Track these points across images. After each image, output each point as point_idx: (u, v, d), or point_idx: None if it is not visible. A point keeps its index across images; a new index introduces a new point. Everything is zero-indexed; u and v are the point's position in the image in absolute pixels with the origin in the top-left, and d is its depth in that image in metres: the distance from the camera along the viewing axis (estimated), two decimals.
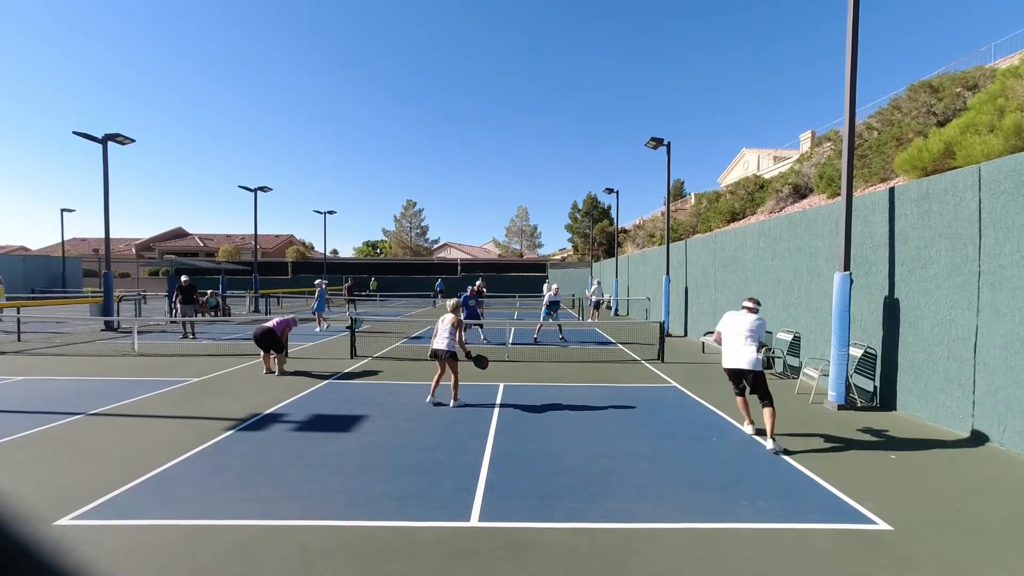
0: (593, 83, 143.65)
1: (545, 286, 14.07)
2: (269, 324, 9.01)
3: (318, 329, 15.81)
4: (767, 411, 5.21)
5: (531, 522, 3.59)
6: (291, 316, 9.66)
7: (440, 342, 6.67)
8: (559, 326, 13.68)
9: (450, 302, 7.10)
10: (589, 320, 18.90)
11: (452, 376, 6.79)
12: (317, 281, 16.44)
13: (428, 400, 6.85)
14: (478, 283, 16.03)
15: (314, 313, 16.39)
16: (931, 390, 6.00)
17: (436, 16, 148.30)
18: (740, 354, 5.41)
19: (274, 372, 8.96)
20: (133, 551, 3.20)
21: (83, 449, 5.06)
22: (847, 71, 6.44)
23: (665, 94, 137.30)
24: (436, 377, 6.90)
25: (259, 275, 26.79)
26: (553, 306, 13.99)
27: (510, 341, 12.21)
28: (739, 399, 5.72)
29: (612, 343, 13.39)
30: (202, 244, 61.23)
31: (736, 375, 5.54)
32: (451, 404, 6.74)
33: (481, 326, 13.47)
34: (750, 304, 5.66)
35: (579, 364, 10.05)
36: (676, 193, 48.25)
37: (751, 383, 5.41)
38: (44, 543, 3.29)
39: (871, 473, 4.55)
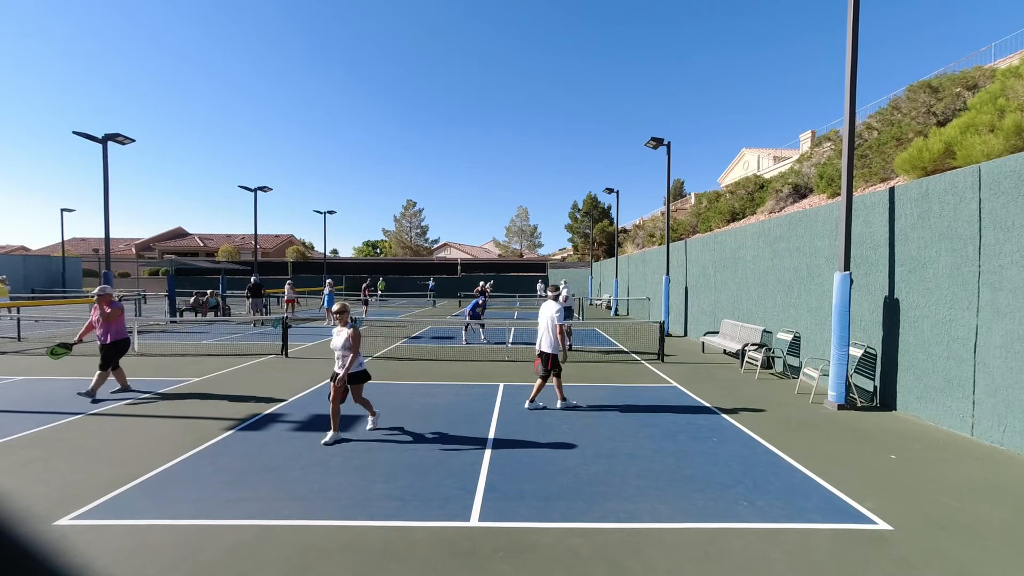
0: (593, 83, 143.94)
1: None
2: (106, 332, 7.17)
3: (327, 324, 17.48)
4: (558, 380, 6.69)
5: (531, 522, 3.59)
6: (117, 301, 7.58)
7: (338, 363, 5.32)
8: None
9: (336, 306, 5.37)
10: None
11: (360, 400, 5.50)
12: (328, 281, 18.42)
13: (325, 440, 5.19)
14: (482, 284, 15.98)
15: (322, 309, 18.97)
16: (931, 390, 6.00)
17: (436, 18, 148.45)
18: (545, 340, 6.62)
19: (129, 387, 7.50)
20: (133, 551, 3.20)
21: (83, 449, 5.06)
22: (847, 71, 6.45)
23: (665, 94, 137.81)
24: (332, 409, 5.29)
25: (259, 275, 26.78)
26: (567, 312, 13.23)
27: (510, 341, 12.21)
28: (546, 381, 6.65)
29: (612, 343, 13.38)
30: (202, 244, 61.20)
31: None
32: (368, 427, 5.66)
33: (483, 326, 13.47)
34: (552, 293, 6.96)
35: (579, 364, 10.05)
36: (676, 193, 48.24)
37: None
38: (44, 543, 3.29)
39: (871, 473, 4.54)
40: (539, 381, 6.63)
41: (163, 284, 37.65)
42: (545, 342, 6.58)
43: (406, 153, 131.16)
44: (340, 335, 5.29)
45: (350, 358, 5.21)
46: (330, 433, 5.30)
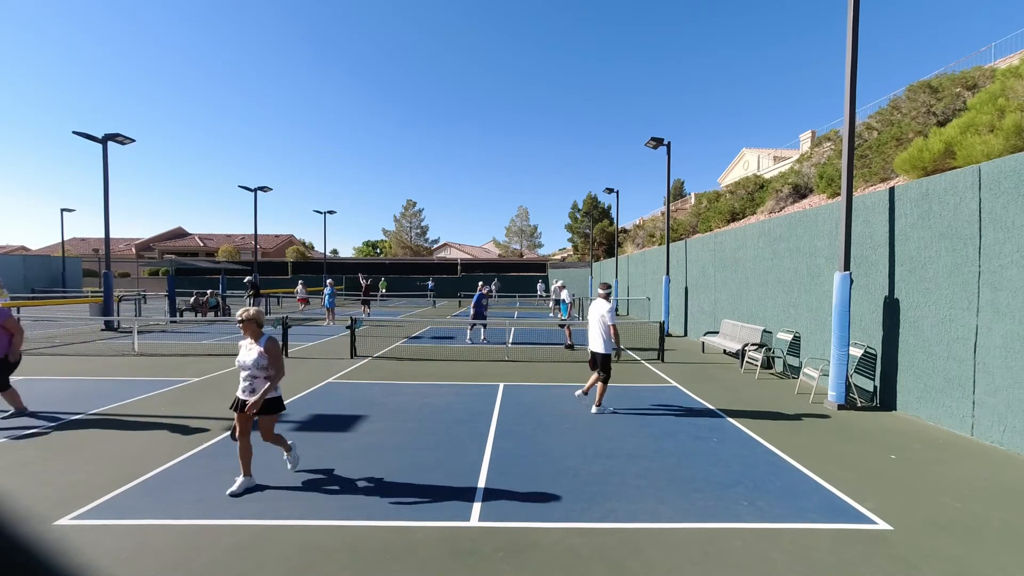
0: (593, 83, 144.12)
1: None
2: None
3: (328, 323, 17.54)
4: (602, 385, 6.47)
5: (531, 522, 3.59)
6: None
7: (244, 385, 4.04)
8: (568, 329, 12.70)
9: (239, 312, 4.09)
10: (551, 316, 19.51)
11: (270, 438, 4.22)
12: (329, 280, 18.32)
13: (230, 491, 3.96)
14: (486, 285, 15.97)
15: (322, 309, 19.38)
16: (931, 390, 6.00)
17: (437, 19, 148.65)
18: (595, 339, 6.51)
19: (24, 409, 6.23)
20: (133, 551, 3.20)
21: (83, 449, 5.06)
22: (847, 71, 6.45)
23: (665, 94, 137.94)
24: (241, 447, 4.07)
25: (259, 275, 26.83)
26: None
27: (510, 341, 12.21)
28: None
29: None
30: (202, 244, 61.21)
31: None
32: (288, 467, 4.43)
33: (484, 326, 13.47)
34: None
35: (579, 364, 10.04)
36: (676, 193, 48.23)
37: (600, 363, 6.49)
38: (44, 543, 3.29)
39: (871, 473, 4.54)
40: (600, 385, 6.49)
41: (163, 284, 37.69)
42: (597, 342, 6.43)
43: (406, 153, 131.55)
44: (250, 350, 3.99)
45: (266, 382, 4.01)
46: (239, 479, 4.03)
